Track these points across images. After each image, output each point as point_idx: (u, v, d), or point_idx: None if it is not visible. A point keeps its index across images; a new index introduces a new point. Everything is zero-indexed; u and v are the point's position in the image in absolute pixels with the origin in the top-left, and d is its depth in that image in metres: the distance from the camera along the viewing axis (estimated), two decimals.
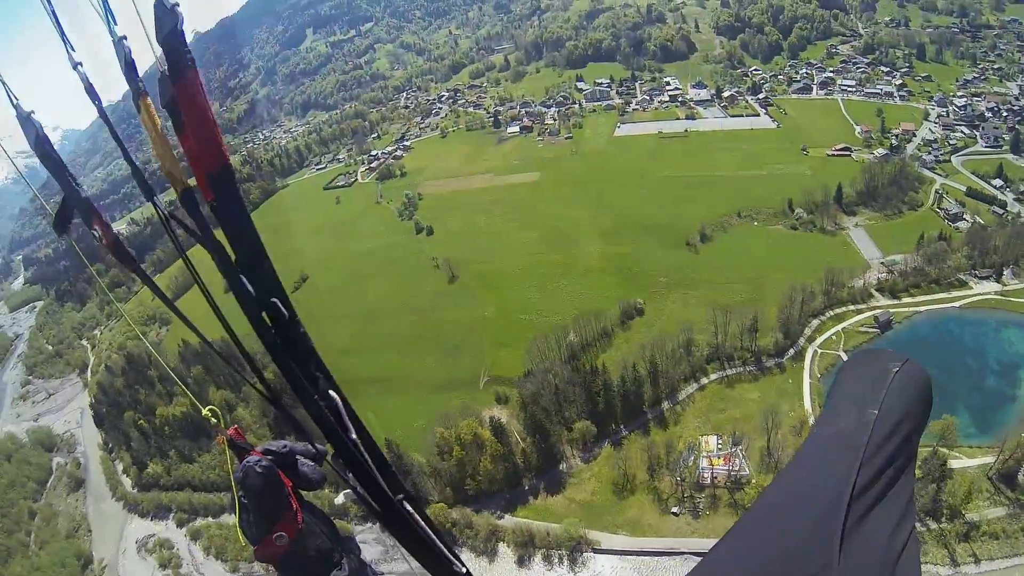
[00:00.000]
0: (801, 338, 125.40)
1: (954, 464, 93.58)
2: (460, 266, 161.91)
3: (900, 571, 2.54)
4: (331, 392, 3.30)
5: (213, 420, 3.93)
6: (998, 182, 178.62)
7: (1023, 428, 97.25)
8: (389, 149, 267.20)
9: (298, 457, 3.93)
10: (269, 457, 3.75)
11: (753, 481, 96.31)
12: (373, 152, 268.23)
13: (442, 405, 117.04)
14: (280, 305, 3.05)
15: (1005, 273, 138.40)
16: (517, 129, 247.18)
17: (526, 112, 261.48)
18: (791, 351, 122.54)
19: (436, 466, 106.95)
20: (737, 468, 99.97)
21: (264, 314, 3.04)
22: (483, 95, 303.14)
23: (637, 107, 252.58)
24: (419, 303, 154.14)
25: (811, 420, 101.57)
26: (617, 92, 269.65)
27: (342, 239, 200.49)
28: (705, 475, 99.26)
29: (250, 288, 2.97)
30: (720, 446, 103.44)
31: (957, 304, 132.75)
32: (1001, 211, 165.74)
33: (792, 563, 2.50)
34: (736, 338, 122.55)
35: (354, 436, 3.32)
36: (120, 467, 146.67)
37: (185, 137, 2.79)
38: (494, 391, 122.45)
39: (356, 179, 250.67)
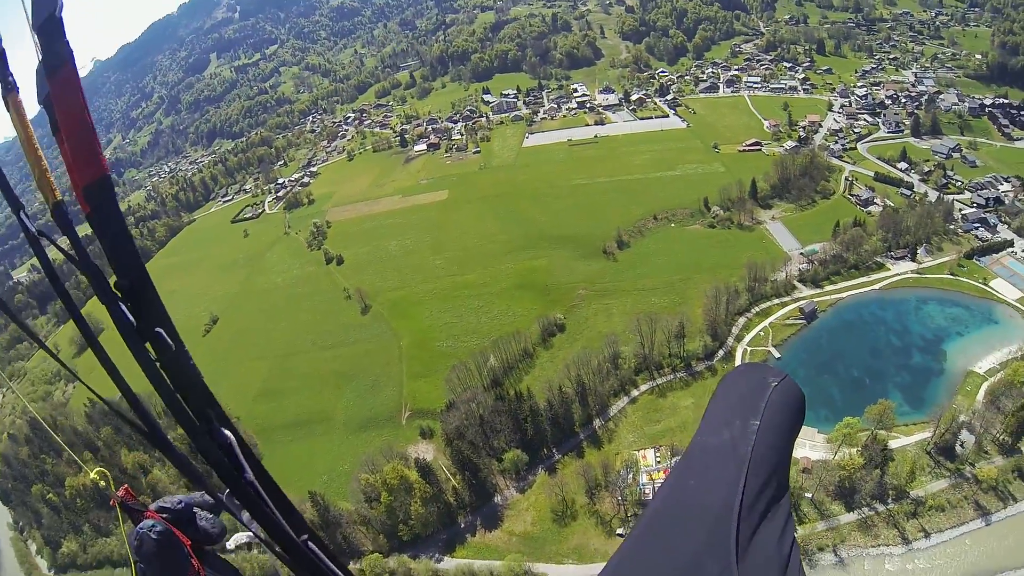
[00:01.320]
0: (729, 338, 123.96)
1: (893, 444, 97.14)
2: (372, 295, 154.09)
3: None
4: (224, 431, 3.07)
5: (102, 483, 3.64)
6: (903, 165, 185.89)
7: (954, 400, 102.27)
8: (296, 176, 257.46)
9: (196, 511, 3.70)
10: (164, 515, 3.53)
11: None
12: (280, 180, 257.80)
13: (365, 445, 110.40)
14: (165, 335, 2.74)
15: (919, 251, 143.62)
16: (424, 147, 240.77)
17: (433, 129, 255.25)
18: (721, 352, 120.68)
19: (365, 514, 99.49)
20: None
21: (148, 345, 2.73)
22: (389, 114, 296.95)
23: (545, 116, 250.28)
24: (333, 338, 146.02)
25: None
26: (524, 102, 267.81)
27: (252, 274, 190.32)
28: (647, 491, 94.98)
29: (130, 316, 2.67)
30: (659, 459, 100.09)
31: (877, 286, 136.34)
32: (909, 192, 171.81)
33: (691, 573, 2.59)
34: (663, 345, 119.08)
35: (251, 476, 3.12)
36: (34, 548, 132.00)
37: (61, 140, 2.53)
38: (417, 426, 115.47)
39: (264, 210, 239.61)
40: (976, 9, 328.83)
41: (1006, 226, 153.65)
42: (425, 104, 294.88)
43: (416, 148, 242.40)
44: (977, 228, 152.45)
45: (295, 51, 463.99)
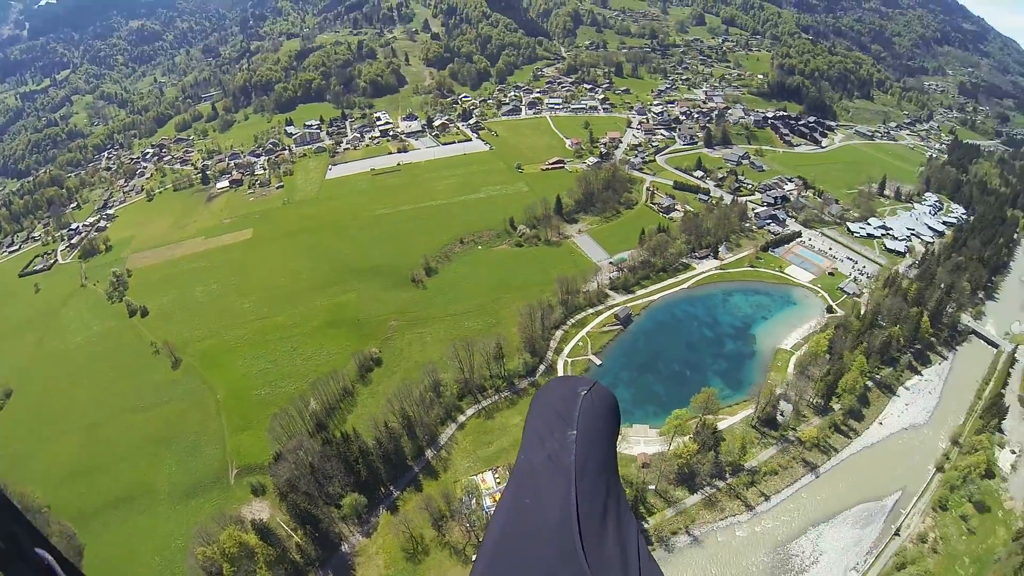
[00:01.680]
0: (549, 352, 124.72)
1: (722, 425, 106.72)
2: (181, 347, 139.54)
3: (644, 568, 2.73)
4: (38, 550, 2.64)
5: None
6: (699, 173, 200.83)
7: (768, 376, 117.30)
8: (91, 220, 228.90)
9: None
10: None
11: None
12: (73, 225, 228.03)
13: (196, 514, 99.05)
14: None
15: (720, 249, 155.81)
16: (227, 184, 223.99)
17: (235, 164, 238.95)
18: (542, 367, 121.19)
19: None
20: None
21: None
22: (190, 149, 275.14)
23: (348, 146, 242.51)
24: (144, 399, 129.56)
25: None
26: (328, 133, 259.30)
27: (47, 335, 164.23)
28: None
29: None
30: (498, 480, 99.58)
31: (685, 286, 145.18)
32: (706, 197, 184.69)
33: None
34: (483, 367, 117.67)
35: None
36: None
37: None
38: (247, 484, 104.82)
39: (56, 260, 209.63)
40: (757, 37, 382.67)
41: (794, 220, 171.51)
42: (227, 137, 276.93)
43: (218, 185, 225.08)
44: (769, 224, 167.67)
45: (90, 77, 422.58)
